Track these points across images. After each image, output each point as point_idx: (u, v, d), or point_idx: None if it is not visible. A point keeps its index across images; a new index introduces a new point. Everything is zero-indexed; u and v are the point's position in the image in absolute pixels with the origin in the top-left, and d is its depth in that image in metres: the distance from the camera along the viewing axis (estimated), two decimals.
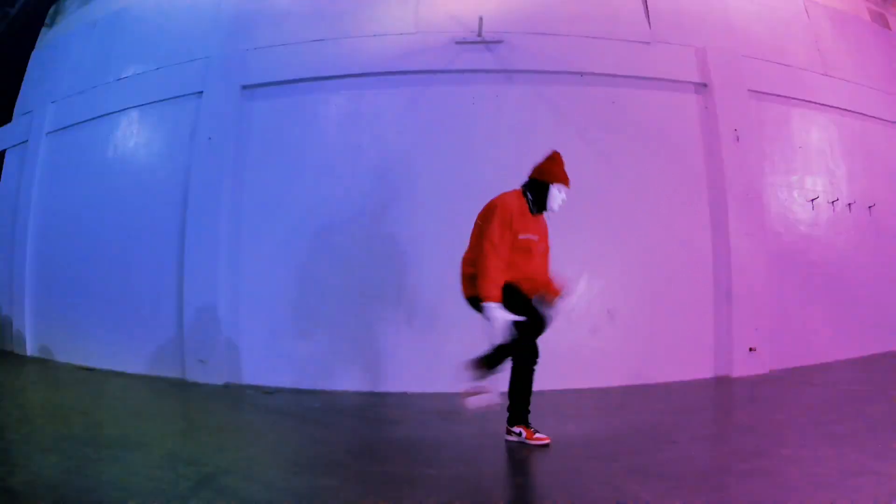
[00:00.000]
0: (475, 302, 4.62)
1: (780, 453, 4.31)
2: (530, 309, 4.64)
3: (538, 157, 7.18)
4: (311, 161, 7.51)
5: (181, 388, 7.20)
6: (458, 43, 7.39)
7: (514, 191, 4.83)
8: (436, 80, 7.45)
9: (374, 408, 6.38)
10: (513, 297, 4.59)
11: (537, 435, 4.66)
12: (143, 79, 8.45)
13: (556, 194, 4.77)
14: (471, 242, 4.80)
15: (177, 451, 4.68)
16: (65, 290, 8.70)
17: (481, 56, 7.40)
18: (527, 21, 7.56)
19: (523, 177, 7.17)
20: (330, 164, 7.45)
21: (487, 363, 4.69)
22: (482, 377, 4.69)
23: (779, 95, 8.03)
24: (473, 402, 4.66)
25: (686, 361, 7.29)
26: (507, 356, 4.65)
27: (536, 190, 4.79)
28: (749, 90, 7.80)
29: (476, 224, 4.79)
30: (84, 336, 8.36)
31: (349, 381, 7.04)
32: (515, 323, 4.48)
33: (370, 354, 7.07)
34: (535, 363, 4.72)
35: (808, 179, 8.14)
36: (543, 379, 6.76)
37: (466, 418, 5.20)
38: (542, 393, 5.86)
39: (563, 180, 4.79)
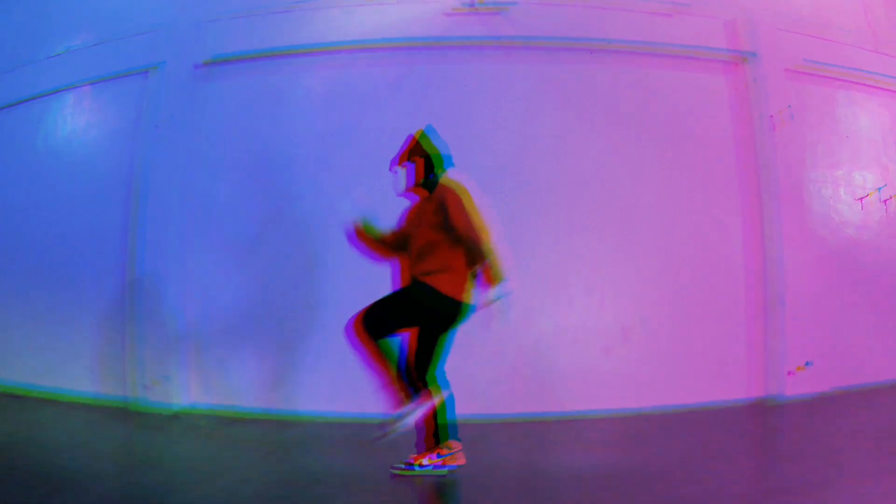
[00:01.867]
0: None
1: (834, 487, 4.19)
2: None
3: (540, 147, 7.20)
4: (278, 151, 7.17)
5: (127, 414, 6.92)
6: (454, 10, 7.02)
7: None
8: (428, 56, 7.16)
9: (354, 434, 6.19)
10: None
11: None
12: (80, 55, 7.82)
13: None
14: None
15: (129, 488, 4.47)
16: None
17: (479, 26, 7.06)
18: None
19: (523, 173, 7.18)
20: (301, 155, 7.14)
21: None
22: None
23: (823, 76, 7.68)
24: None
25: (717, 381, 7.12)
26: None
27: None
28: (787, 69, 7.46)
29: None
30: (10, 356, 8.13)
31: (327, 402, 6.91)
32: None
33: (351, 371, 6.94)
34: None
35: (857, 174, 7.79)
36: (553, 401, 6.75)
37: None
38: (552, 418, 5.83)
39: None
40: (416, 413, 4.60)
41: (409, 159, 4.88)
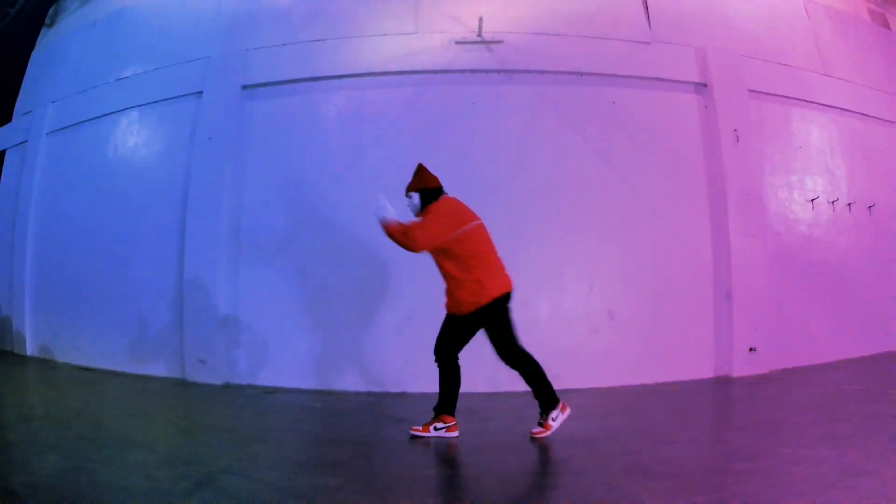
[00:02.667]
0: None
1: (780, 453, 4.31)
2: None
3: (536, 158, 7.30)
4: (311, 161, 7.49)
5: (181, 388, 7.18)
6: (458, 43, 7.39)
7: None
8: (436, 80, 7.45)
9: (374, 407, 6.38)
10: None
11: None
12: (142, 79, 8.44)
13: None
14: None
15: (176, 450, 4.66)
16: (65, 290, 8.70)
17: (481, 56, 7.40)
18: (527, 21, 7.56)
19: (523, 177, 7.27)
20: (330, 164, 7.44)
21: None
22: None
23: (779, 95, 8.04)
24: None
25: (686, 361, 7.31)
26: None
27: None
28: (749, 90, 7.80)
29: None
30: (84, 336, 8.36)
31: (349, 380, 7.05)
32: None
33: (370, 354, 7.07)
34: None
35: (808, 179, 8.15)
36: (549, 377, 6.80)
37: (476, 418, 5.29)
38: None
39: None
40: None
41: (407, 195, 5.16)
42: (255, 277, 7.44)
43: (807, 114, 8.24)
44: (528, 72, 7.44)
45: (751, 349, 7.25)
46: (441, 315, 5.14)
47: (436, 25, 7.52)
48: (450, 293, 5.01)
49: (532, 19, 7.58)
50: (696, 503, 3.41)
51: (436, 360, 5.04)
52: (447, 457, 4.64)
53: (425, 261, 6.91)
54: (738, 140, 7.52)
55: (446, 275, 4.97)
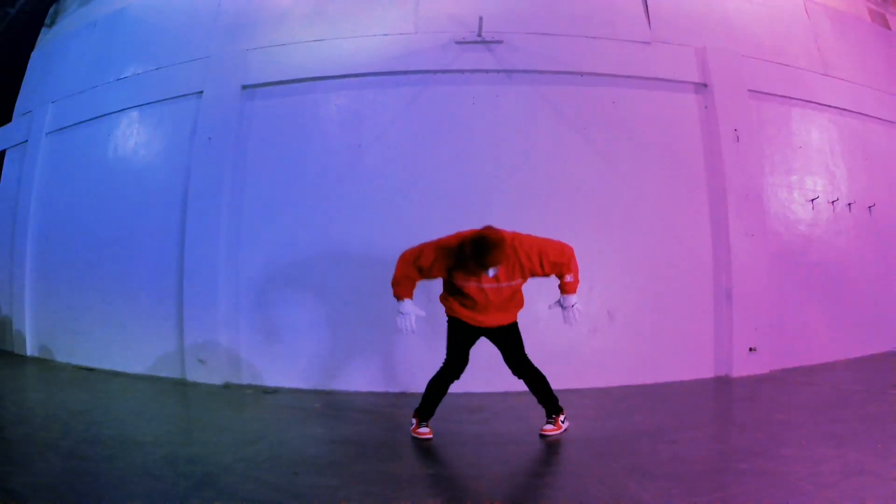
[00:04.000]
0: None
1: (780, 453, 4.33)
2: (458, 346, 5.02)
3: (536, 158, 7.30)
4: (311, 161, 7.48)
5: (181, 388, 7.18)
6: (458, 43, 7.38)
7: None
8: (436, 80, 7.44)
9: (374, 407, 6.37)
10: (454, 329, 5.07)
11: (421, 430, 5.01)
12: (142, 79, 8.44)
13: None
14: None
15: (176, 450, 4.68)
16: (65, 290, 8.67)
17: (481, 56, 7.39)
18: (527, 21, 7.56)
19: (523, 177, 7.27)
20: (330, 164, 7.43)
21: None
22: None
23: (779, 95, 8.04)
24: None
25: (686, 361, 7.28)
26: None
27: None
28: (749, 90, 7.80)
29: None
30: (84, 336, 8.34)
31: (349, 380, 7.04)
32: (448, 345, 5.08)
33: (370, 354, 7.07)
34: (448, 379, 5.03)
35: (808, 179, 8.14)
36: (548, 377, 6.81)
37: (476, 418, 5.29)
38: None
39: (479, 271, 4.74)
40: None
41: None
42: (255, 277, 7.43)
43: (807, 114, 8.23)
44: (528, 72, 7.43)
45: (751, 349, 7.25)
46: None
47: (436, 25, 7.51)
48: None
49: (532, 19, 7.58)
50: (696, 503, 3.41)
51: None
52: (447, 457, 4.67)
53: None
54: (738, 140, 7.51)
55: None
